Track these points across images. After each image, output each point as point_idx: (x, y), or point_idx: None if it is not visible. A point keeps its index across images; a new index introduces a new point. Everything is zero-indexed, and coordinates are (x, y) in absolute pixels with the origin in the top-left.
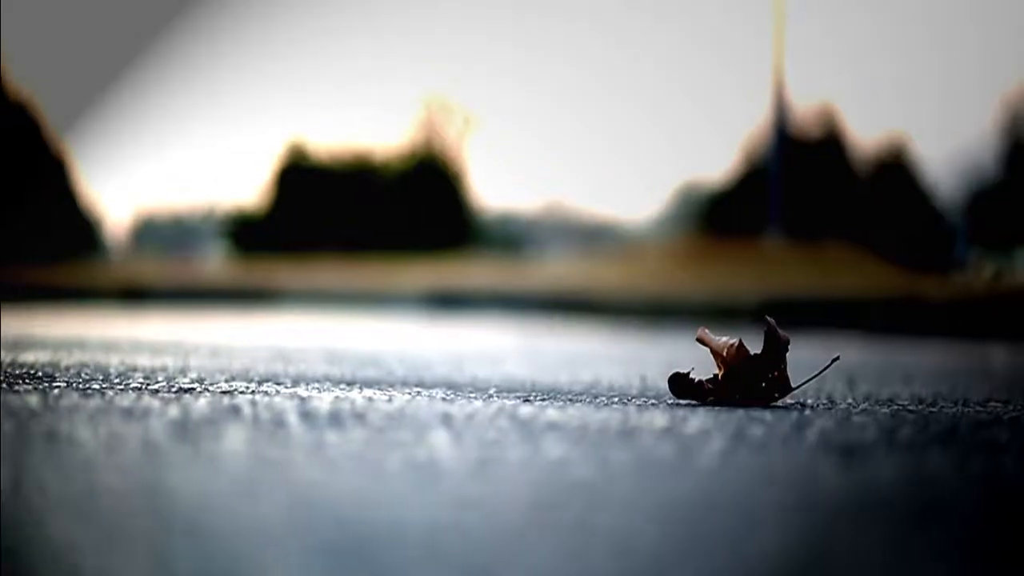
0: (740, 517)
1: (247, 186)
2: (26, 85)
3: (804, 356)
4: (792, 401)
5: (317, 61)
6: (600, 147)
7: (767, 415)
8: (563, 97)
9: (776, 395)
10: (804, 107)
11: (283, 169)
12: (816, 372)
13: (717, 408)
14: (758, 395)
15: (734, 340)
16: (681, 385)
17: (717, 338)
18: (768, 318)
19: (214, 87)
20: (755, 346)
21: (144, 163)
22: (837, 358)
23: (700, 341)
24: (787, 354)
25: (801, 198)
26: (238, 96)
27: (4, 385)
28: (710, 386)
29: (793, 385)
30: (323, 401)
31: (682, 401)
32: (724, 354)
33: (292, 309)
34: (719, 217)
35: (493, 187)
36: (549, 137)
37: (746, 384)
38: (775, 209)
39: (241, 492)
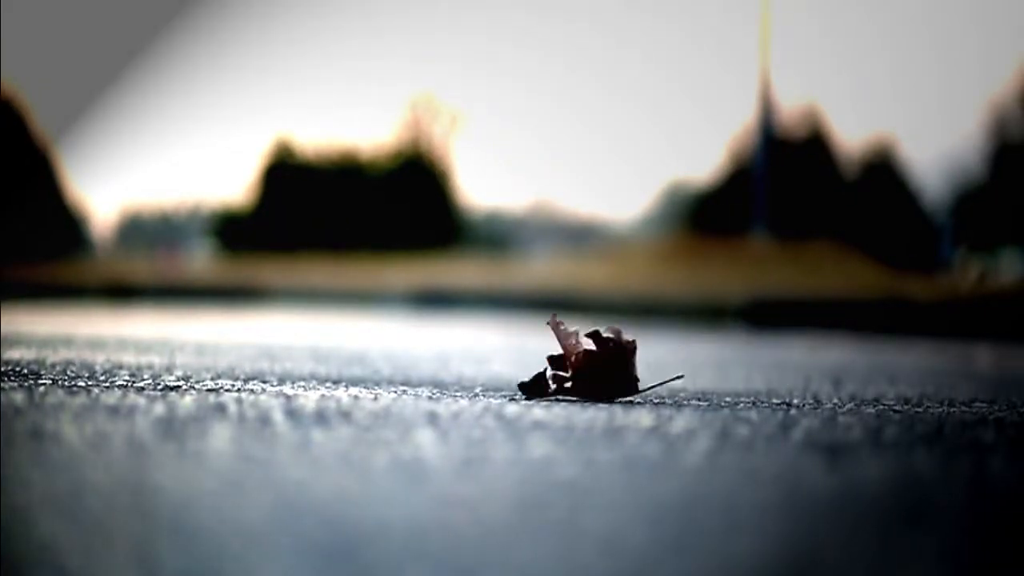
0: (726, 517)
1: (233, 183)
2: (14, 83)
3: (790, 357)
4: (639, 400)
5: (304, 59)
6: (587, 147)
7: (753, 415)
8: (550, 97)
9: (618, 394)
10: (790, 108)
11: (269, 167)
12: (661, 382)
13: (702, 408)
14: (601, 392)
15: (581, 334)
16: (532, 387)
17: (568, 330)
18: (578, 328)
19: (200, 85)
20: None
21: (131, 161)
22: (681, 376)
23: (552, 328)
24: (635, 356)
25: (787, 198)
26: (225, 94)
27: None
28: (560, 378)
29: (640, 387)
30: (309, 399)
31: (574, 399)
32: (569, 348)
33: (278, 307)
34: (705, 216)
35: (480, 186)
36: (536, 136)
37: (590, 380)
38: (761, 209)
39: (226, 490)
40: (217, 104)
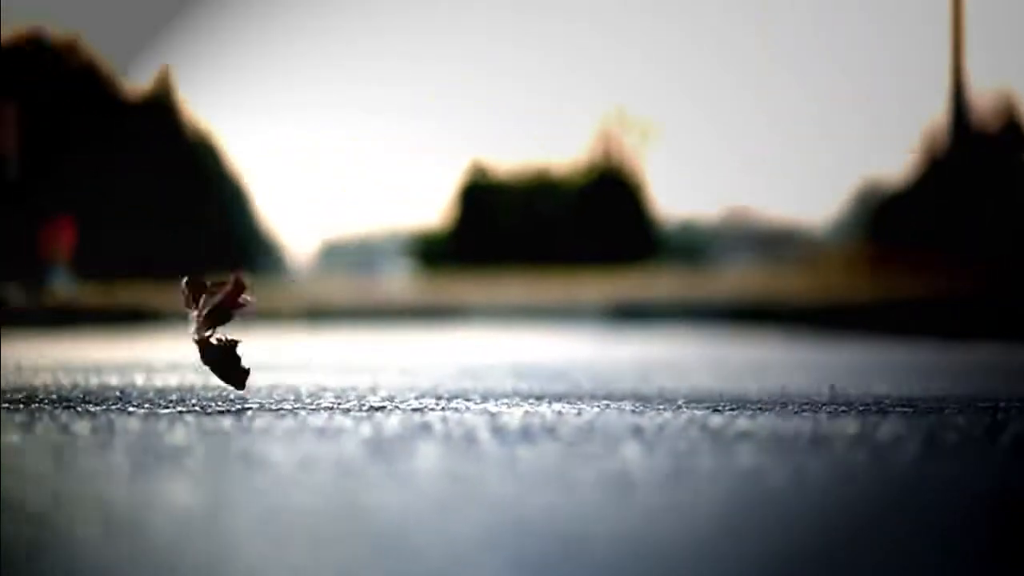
0: (936, 523)
1: (430, 206)
2: (204, 119)
3: (992, 362)
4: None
5: (496, 79)
6: (778, 148)
7: (960, 420)
8: (739, 99)
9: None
10: (983, 97)
11: (465, 187)
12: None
13: (908, 414)
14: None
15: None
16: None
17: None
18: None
19: (396, 109)
20: None
21: (328, 185)
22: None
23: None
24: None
25: (981, 193)
26: (422, 119)
27: (198, 408)
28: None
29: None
30: (513, 416)
31: None
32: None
33: (477, 325)
34: (899, 217)
35: (673, 195)
36: (727, 140)
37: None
38: (954, 209)
39: (436, 509)
40: (414, 129)
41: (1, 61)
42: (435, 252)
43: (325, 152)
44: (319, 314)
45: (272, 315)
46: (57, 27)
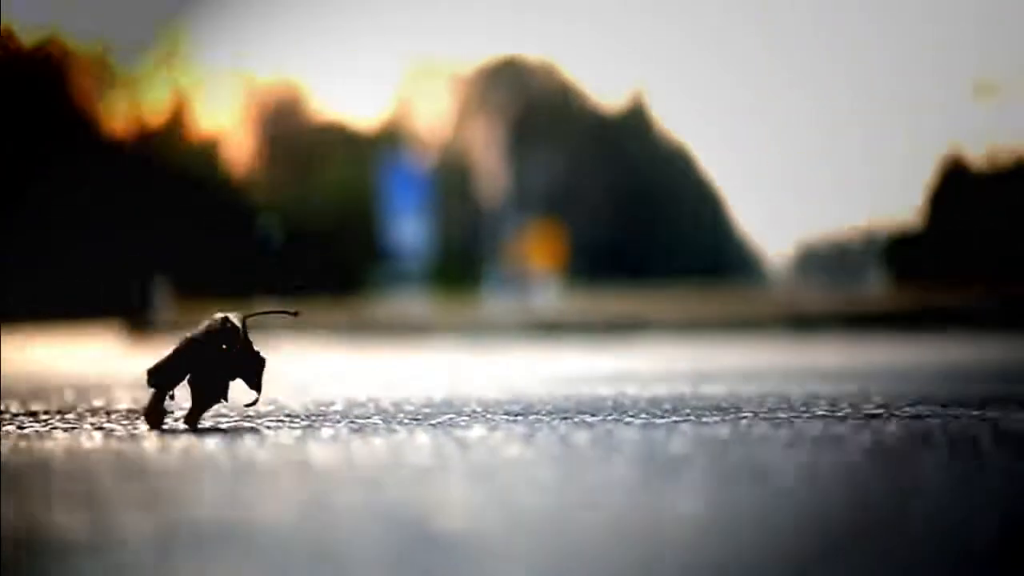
0: None
1: (905, 205)
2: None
3: None
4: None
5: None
6: None
7: None
8: None
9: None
10: None
11: (940, 184)
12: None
13: None
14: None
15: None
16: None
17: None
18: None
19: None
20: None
21: (805, 188)
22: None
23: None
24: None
25: None
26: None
27: (693, 417)
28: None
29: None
30: (1019, 424)
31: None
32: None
33: (959, 330)
34: None
35: None
36: None
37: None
38: None
39: (948, 518)
40: (883, 124)
41: (483, 83)
42: (911, 256)
43: (798, 153)
44: (797, 322)
45: (750, 324)
46: (531, 52)
